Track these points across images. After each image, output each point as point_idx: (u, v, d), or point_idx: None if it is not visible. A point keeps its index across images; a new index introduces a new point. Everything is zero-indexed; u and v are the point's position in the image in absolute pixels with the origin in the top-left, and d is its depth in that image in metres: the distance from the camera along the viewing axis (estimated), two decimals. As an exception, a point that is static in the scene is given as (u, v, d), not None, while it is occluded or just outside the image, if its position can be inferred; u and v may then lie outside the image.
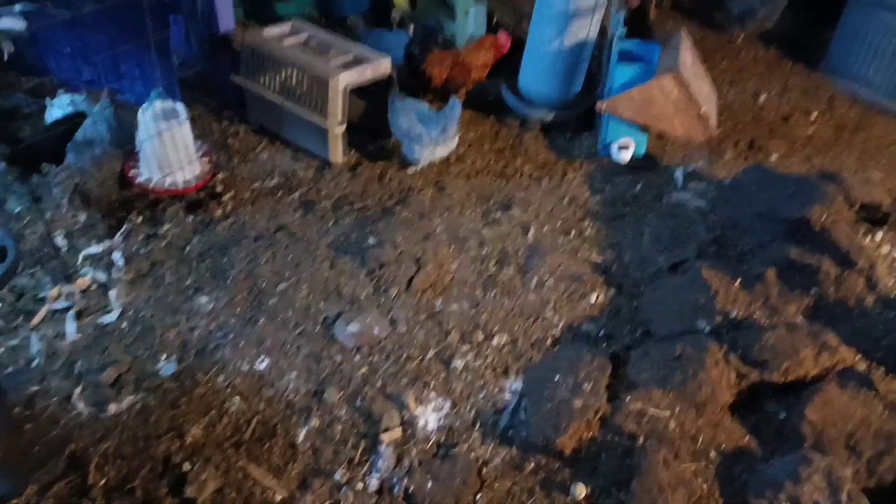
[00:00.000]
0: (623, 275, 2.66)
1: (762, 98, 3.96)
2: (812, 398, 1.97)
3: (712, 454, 1.89)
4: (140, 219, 2.91)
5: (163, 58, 2.95)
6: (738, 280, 2.40)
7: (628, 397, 2.03)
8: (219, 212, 3.01)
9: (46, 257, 2.65)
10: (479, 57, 3.68)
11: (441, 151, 3.24)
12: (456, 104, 3.12)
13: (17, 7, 2.26)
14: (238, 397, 2.10)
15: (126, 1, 2.48)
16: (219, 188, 3.13)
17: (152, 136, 2.81)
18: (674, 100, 3.12)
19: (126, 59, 3.21)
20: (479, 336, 2.34)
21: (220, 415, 2.04)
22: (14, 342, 2.31)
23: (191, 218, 2.94)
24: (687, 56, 3.25)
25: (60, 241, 2.77)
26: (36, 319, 2.40)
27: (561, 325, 2.41)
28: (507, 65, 3.93)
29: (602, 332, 2.38)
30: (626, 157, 3.27)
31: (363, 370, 2.21)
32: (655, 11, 4.49)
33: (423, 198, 3.11)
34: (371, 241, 2.76)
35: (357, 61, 3.33)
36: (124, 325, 2.39)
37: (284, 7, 4.59)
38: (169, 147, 2.86)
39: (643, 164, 3.35)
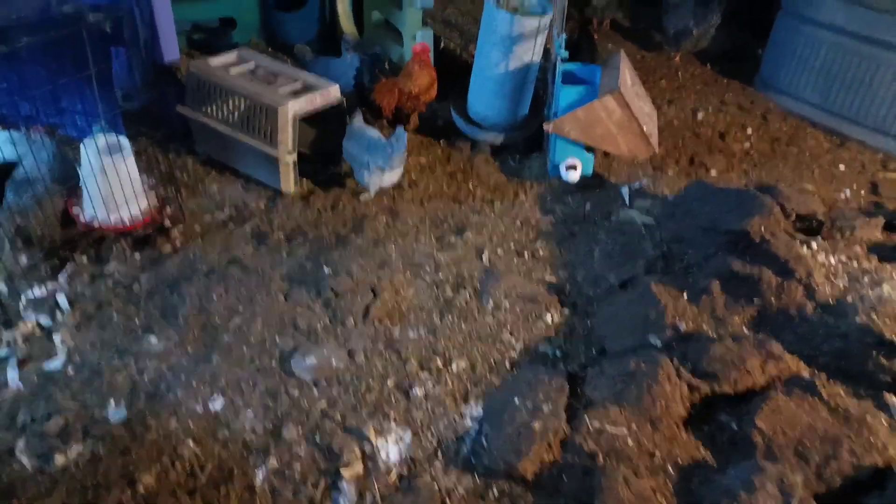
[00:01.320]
0: (577, 293, 2.71)
1: (700, 115, 4.12)
2: (761, 407, 2.03)
3: (670, 469, 1.93)
4: (85, 258, 2.82)
5: (105, 91, 2.89)
6: (685, 293, 2.48)
7: (586, 416, 2.06)
8: (167, 247, 2.94)
9: (-17, 302, 2.54)
10: (419, 80, 3.71)
11: (389, 179, 3.25)
12: (402, 135, 3.15)
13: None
14: (191, 440, 2.04)
15: (64, 33, 2.42)
16: (167, 223, 3.06)
17: (96, 172, 2.74)
18: (617, 119, 3.21)
19: (66, 92, 3.12)
20: (438, 363, 2.35)
21: (172, 460, 1.98)
22: (-50, 395, 2.20)
23: (138, 255, 2.87)
24: (627, 76, 3.36)
25: (1, 285, 2.66)
26: (-27, 370, 2.29)
27: (518, 347, 2.43)
28: (455, 88, 3.98)
29: (558, 352, 2.41)
30: (574, 176, 3.34)
31: (322, 404, 2.18)
32: (597, 33, 4.64)
33: (376, 225, 3.11)
34: (326, 270, 2.74)
35: (306, 89, 3.33)
36: (70, 370, 2.30)
37: (234, 35, 4.56)
38: (113, 182, 2.79)
39: (591, 183, 3.43)
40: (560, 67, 3.31)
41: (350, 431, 2.09)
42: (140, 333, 2.46)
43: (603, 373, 2.20)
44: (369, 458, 2.01)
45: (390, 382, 2.27)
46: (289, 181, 3.31)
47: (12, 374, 2.27)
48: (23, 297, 2.60)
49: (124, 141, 2.86)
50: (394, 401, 2.21)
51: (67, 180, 2.93)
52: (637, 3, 5.17)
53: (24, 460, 1.96)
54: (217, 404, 2.17)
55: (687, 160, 3.64)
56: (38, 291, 2.64)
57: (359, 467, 1.97)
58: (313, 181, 3.42)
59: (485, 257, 2.91)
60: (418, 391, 2.23)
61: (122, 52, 3.36)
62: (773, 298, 2.44)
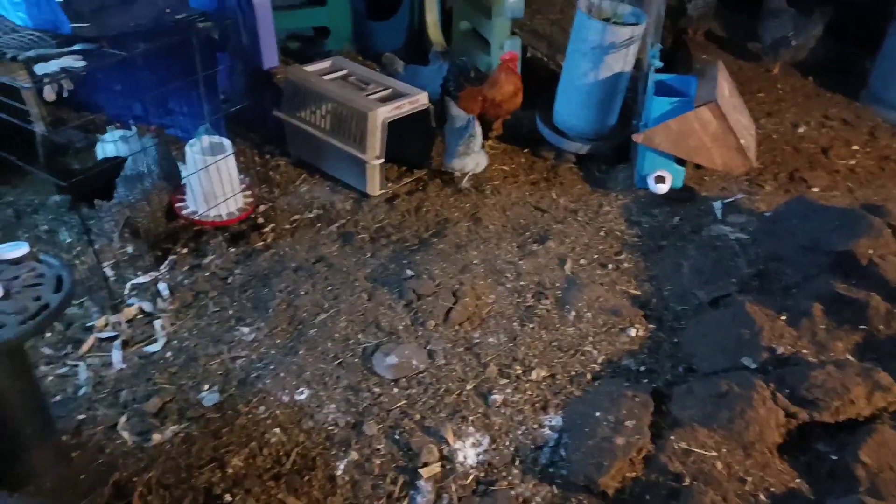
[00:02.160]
0: (663, 308, 2.62)
1: (801, 129, 3.91)
2: (866, 439, 1.90)
3: (762, 497, 1.83)
4: (185, 250, 2.98)
5: (210, 94, 3.06)
6: (784, 315, 2.35)
7: (672, 436, 1.99)
8: (260, 243, 3.07)
9: (95, 287, 2.73)
10: (504, 88, 3.71)
11: (472, 163, 3.39)
12: (472, 122, 3.32)
13: (77, 46, 2.37)
14: (278, 428, 2.12)
15: (175, 40, 2.59)
16: (260, 220, 3.21)
17: (199, 170, 2.90)
18: (712, 131, 3.10)
19: (175, 95, 3.33)
20: (518, 369, 2.33)
21: (260, 446, 2.05)
22: (63, 370, 2.38)
23: (233, 249, 3.01)
24: (725, 87, 3.25)
25: (108, 271, 2.85)
26: (84, 348, 2.47)
27: (600, 359, 2.38)
28: (542, 98, 3.97)
29: (643, 367, 2.35)
30: (663, 188, 3.25)
31: (402, 403, 2.21)
32: (692, 43, 4.50)
33: (459, 230, 3.13)
34: (409, 272, 2.78)
35: (395, 95, 3.40)
36: (168, 354, 2.44)
37: (327, 43, 4.75)
38: (214, 180, 2.95)
39: (681, 196, 3.33)
40: (653, 77, 3.24)
41: (428, 432, 2.11)
42: (233, 323, 2.58)
43: (691, 392, 2.12)
44: (447, 459, 2.02)
45: (469, 386, 2.27)
46: (375, 184, 3.39)
47: (117, 355, 2.43)
48: (128, 284, 2.78)
49: (226, 142, 3.02)
50: (472, 405, 2.21)
51: (173, 178, 3.12)
52: (733, 12, 4.99)
53: (126, 435, 2.09)
54: (302, 395, 2.24)
55: (786, 175, 3.47)
56: (141, 279, 2.81)
57: (437, 468, 1.98)
58: (398, 185, 3.49)
59: (567, 267, 2.87)
60: (497, 397, 2.22)
61: (225, 59, 3.55)
62: (881, 325, 2.28)
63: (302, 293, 2.69)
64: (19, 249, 1.87)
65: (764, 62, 4.60)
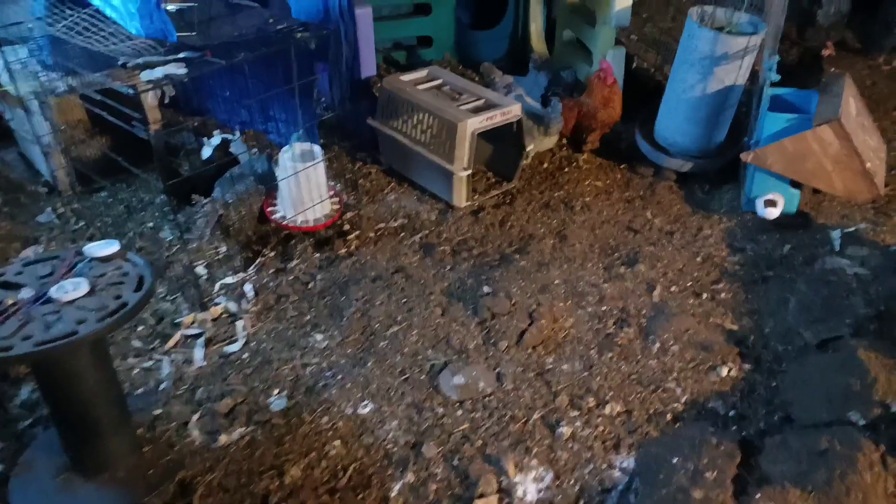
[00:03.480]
0: (762, 347, 2.37)
1: (945, 152, 3.44)
2: None
3: (862, 579, 1.58)
4: (273, 253, 3.07)
5: (305, 102, 3.14)
6: (906, 367, 2.05)
7: (759, 493, 1.78)
8: (343, 250, 3.11)
9: (187, 285, 2.87)
10: (599, 100, 3.54)
11: (546, 143, 3.43)
12: (557, 105, 3.38)
13: (182, 54, 2.50)
14: (339, 441, 2.10)
15: (276, 50, 2.66)
16: (346, 227, 3.25)
17: (290, 176, 2.98)
18: (833, 153, 2.78)
19: (275, 102, 3.45)
20: (591, 402, 2.18)
21: (319, 457, 2.05)
22: (148, 364, 2.50)
23: (317, 255, 3.06)
24: (850, 104, 2.91)
25: (201, 269, 2.99)
26: (170, 343, 2.59)
27: (684, 398, 2.18)
28: (644, 111, 3.75)
29: (732, 411, 2.12)
30: (773, 213, 2.96)
31: (464, 426, 2.14)
32: (822, 56, 4.09)
33: (543, 247, 3.01)
34: (486, 289, 2.70)
35: (487, 106, 3.34)
36: (245, 355, 2.51)
37: (426, 53, 4.78)
38: (304, 186, 3.01)
39: (794, 222, 3.02)
40: (767, 92, 2.96)
41: (489, 460, 2.02)
42: (309, 329, 2.61)
43: (786, 445, 1.89)
44: (505, 492, 1.92)
45: (536, 415, 2.15)
46: (461, 195, 3.34)
47: (199, 353, 2.53)
48: (217, 284, 2.89)
49: (317, 149, 3.08)
50: (538, 436, 2.09)
51: (267, 181, 3.23)
52: (868, 21, 4.50)
53: (195, 434, 2.16)
54: (366, 409, 2.21)
55: (921, 205, 3.05)
56: (230, 279, 2.92)
57: (494, 500, 1.88)
58: (485, 197, 3.41)
59: (656, 293, 2.67)
60: (565, 430, 2.09)
61: (325, 68, 3.64)
62: None
63: (377, 303, 2.68)
64: (110, 248, 1.98)
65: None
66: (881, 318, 2.34)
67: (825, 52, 3.97)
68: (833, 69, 4.06)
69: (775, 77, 2.90)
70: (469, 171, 3.26)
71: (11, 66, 2.73)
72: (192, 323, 2.68)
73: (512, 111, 3.33)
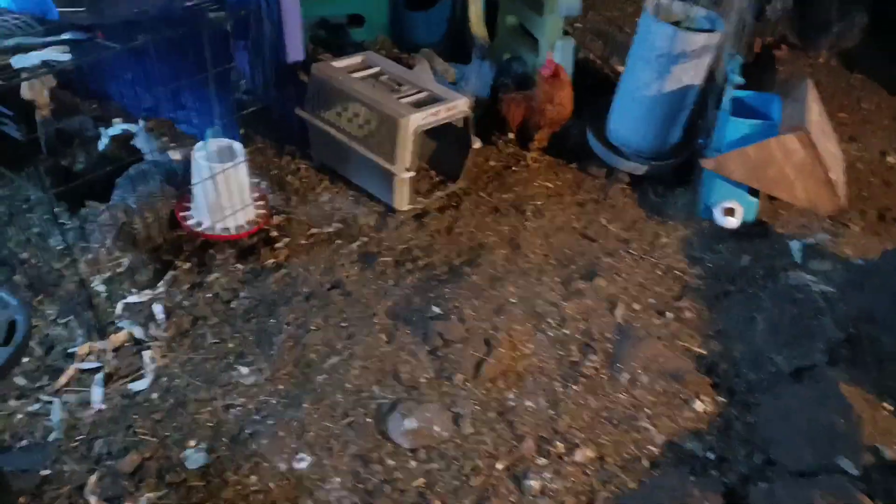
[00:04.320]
0: (734, 376, 2.22)
1: (891, 158, 3.43)
2: None
3: None
4: (187, 265, 2.66)
5: (222, 92, 2.72)
6: (887, 402, 1.94)
7: (749, 553, 1.61)
8: (271, 260, 2.74)
9: (82, 305, 2.43)
10: (546, 96, 3.30)
11: None
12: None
13: (66, 35, 2.04)
14: (271, 506, 1.78)
15: (181, 34, 2.24)
16: (273, 233, 2.87)
17: (205, 178, 2.57)
18: (797, 162, 2.66)
19: (187, 90, 3.00)
20: (559, 447, 1.96)
21: (248, 529, 1.72)
22: (35, 407, 2.08)
23: (241, 266, 2.68)
24: (814, 110, 2.80)
25: (100, 286, 2.55)
26: (62, 381, 2.17)
27: (659, 440, 1.99)
28: (594, 106, 3.55)
29: (711, 453, 1.96)
30: (732, 223, 2.82)
31: (419, 481, 1.86)
32: (784, 55, 3.99)
33: (495, 258, 2.75)
34: (435, 309, 2.42)
35: (431, 100, 3.02)
36: (155, 395, 2.12)
37: (357, 32, 4.39)
38: (222, 190, 2.61)
39: (751, 231, 2.89)
40: (729, 94, 2.80)
41: (450, 523, 1.76)
42: (232, 360, 2.25)
43: (772, 496, 1.73)
44: (470, 564, 1.66)
45: (500, 465, 1.91)
46: (403, 198, 3.02)
47: (97, 392, 2.12)
48: (119, 304, 2.47)
49: (238, 147, 2.67)
50: (504, 490, 1.85)
51: (178, 182, 2.79)
52: (808, 16, 4.47)
53: (93, 501, 1.78)
54: (303, 463, 1.90)
55: (875, 215, 3.01)
56: (135, 298, 2.50)
57: (457, 575, 1.63)
58: (429, 199, 3.11)
59: (618, 312, 2.48)
60: (533, 483, 1.86)
61: (245, 50, 3.20)
62: None
63: (312, 328, 2.35)
64: None
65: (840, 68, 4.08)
66: (852, 342, 2.23)
67: (778, 54, 3.89)
68: (781, 68, 3.99)
69: (739, 80, 2.75)
70: (412, 173, 2.95)
71: None
72: (88, 354, 2.26)
73: (458, 106, 3.03)
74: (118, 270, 2.60)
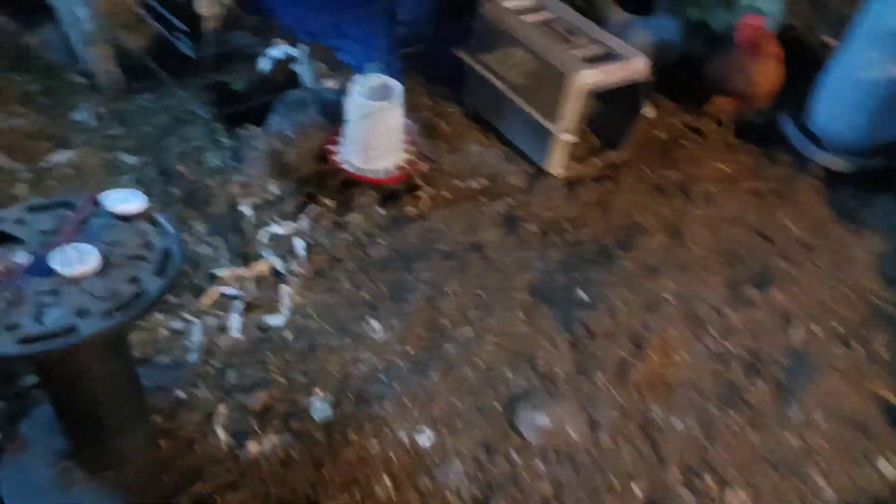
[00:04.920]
0: (933, 437, 1.86)
1: None
2: None
3: None
4: (330, 201, 2.61)
5: (387, 26, 2.56)
6: None
7: None
8: (412, 208, 2.63)
9: (229, 228, 2.45)
10: (745, 67, 2.85)
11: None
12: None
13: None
14: (388, 477, 1.72)
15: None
16: (417, 180, 2.74)
17: (359, 117, 2.46)
18: None
19: (351, 17, 2.87)
20: (709, 481, 1.73)
21: (362, 496, 1.67)
22: (177, 325, 2.12)
23: (381, 211, 2.59)
24: None
25: (248, 209, 2.56)
26: (204, 301, 2.19)
27: (830, 497, 1.71)
28: (793, 83, 3.06)
29: (895, 529, 1.66)
30: (952, 246, 2.35)
31: (544, 486, 1.72)
32: None
33: (652, 244, 2.48)
34: (581, 294, 2.21)
35: (606, 56, 2.71)
36: (289, 334, 2.10)
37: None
38: (375, 131, 2.50)
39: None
40: None
41: (573, 539, 1.61)
42: (364, 311, 2.19)
43: None
44: None
45: (637, 488, 1.72)
46: (557, 162, 2.78)
47: (236, 322, 2.13)
48: (264, 231, 2.46)
49: (397, 87, 2.52)
50: (638, 516, 1.66)
51: (332, 114, 2.71)
52: None
53: (220, 433, 1.79)
54: (425, 439, 1.81)
55: None
56: (278, 228, 2.48)
57: None
58: (584, 166, 2.85)
59: (793, 333, 2.15)
60: (675, 516, 1.66)
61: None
62: None
63: (447, 291, 2.23)
64: (135, 202, 1.53)
65: None
66: None
67: None
68: None
69: None
70: (574, 137, 2.69)
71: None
72: (232, 279, 2.28)
73: (635, 66, 2.70)
74: (266, 198, 2.59)
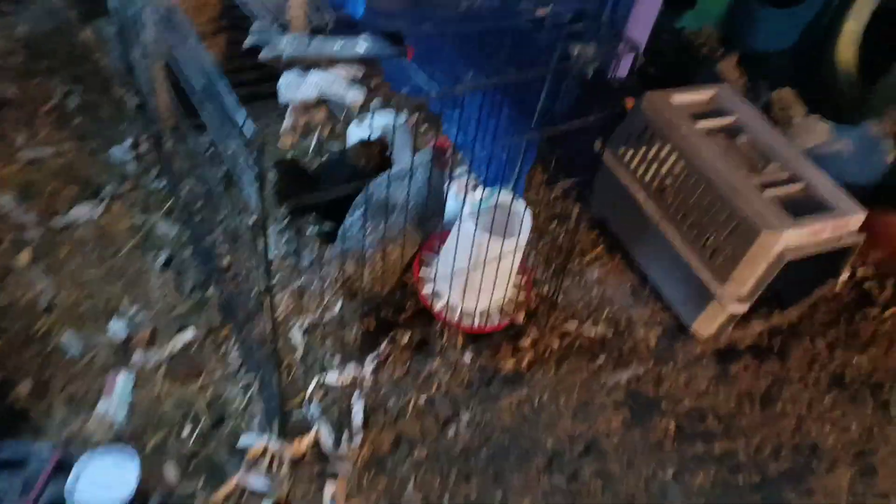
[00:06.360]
0: None
1: None
2: None
3: None
4: (405, 337, 1.98)
5: (526, 152, 1.87)
6: None
7: None
8: (510, 363, 1.98)
9: (270, 362, 1.85)
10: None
11: None
12: None
13: (363, 39, 1.31)
14: None
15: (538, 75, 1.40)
16: (519, 319, 2.08)
17: (473, 254, 1.79)
18: None
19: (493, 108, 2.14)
20: None
21: None
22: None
23: (469, 362, 1.96)
24: None
25: (297, 334, 1.96)
26: (219, 495, 1.61)
27: None
28: None
29: None
30: None
31: None
32: None
33: (834, 483, 1.79)
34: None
35: (811, 203, 1.97)
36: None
37: (685, 18, 3.33)
38: (486, 270, 1.84)
39: None
40: None
41: None
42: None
43: None
44: None
45: None
46: (711, 323, 2.08)
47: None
48: (314, 379, 1.86)
49: (525, 219, 1.82)
50: None
51: (430, 221, 2.05)
52: None
53: None
54: None
55: None
56: (334, 376, 1.87)
57: None
58: (743, 328, 2.15)
59: None
60: None
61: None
62: None
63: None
64: (124, 475, 0.94)
65: None
66: None
67: None
68: None
69: None
70: (744, 307, 1.98)
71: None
72: (262, 456, 1.68)
73: (850, 223, 1.96)
74: (325, 318, 1.99)
